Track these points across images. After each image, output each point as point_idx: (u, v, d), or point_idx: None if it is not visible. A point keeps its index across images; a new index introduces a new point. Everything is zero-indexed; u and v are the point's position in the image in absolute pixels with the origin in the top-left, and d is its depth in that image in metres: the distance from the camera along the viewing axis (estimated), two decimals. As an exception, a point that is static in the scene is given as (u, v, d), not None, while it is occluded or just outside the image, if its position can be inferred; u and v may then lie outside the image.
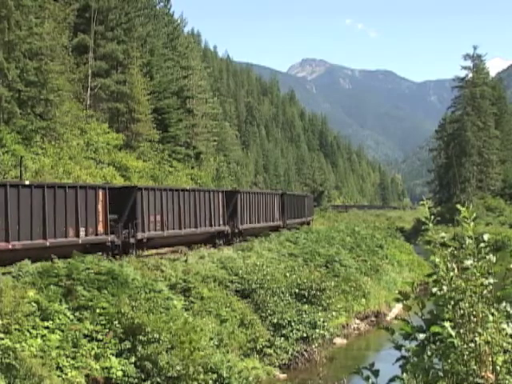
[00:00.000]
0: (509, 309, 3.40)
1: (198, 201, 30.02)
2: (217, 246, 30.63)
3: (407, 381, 3.37)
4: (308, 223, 50.23)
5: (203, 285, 20.22)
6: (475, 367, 3.28)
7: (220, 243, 31.34)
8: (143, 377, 14.52)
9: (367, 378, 3.39)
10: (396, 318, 27.28)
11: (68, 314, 15.05)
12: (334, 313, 23.79)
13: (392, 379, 3.42)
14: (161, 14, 72.24)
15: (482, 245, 3.48)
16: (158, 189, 28.07)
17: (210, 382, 15.32)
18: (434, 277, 3.55)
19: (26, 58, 36.67)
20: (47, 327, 14.32)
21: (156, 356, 14.64)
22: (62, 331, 14.41)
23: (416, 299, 3.53)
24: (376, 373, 3.40)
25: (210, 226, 31.11)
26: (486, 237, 3.52)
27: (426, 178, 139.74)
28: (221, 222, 32.16)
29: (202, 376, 15.07)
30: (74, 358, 13.93)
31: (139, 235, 24.92)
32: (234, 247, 29.22)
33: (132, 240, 24.45)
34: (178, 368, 14.67)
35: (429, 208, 3.71)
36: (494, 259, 3.47)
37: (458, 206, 3.61)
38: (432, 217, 3.67)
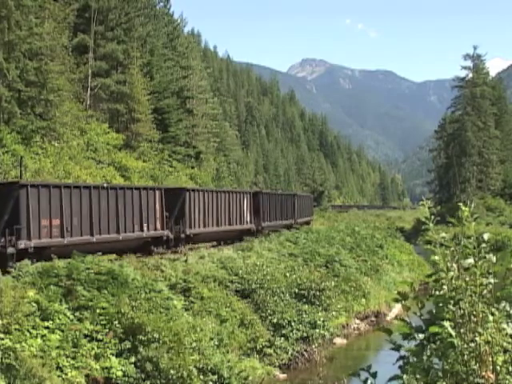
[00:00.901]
0: (508, 308, 3.40)
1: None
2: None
3: (407, 381, 3.36)
4: (308, 223, 50.33)
5: (203, 285, 20.22)
6: (475, 367, 3.28)
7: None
8: (143, 377, 14.52)
9: (365, 381, 3.39)
10: (396, 318, 27.27)
11: (68, 313, 15.04)
12: (334, 313, 23.79)
13: (392, 378, 3.42)
14: (161, 14, 72.24)
15: (484, 245, 3.48)
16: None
17: (210, 382, 15.31)
18: (434, 277, 3.55)
19: (26, 58, 36.68)
20: (47, 327, 14.32)
21: (156, 356, 14.63)
22: (62, 331, 14.41)
23: (415, 299, 3.53)
24: (374, 375, 3.40)
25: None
26: (486, 236, 3.51)
27: (425, 177, 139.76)
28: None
29: (202, 376, 15.06)
30: (74, 358, 13.92)
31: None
32: (234, 247, 29.24)
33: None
34: (179, 365, 14.66)
35: (429, 208, 3.70)
36: (493, 259, 3.47)
37: (461, 205, 3.61)
38: (432, 217, 3.67)
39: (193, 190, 30.42)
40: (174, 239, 27.41)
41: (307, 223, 49.69)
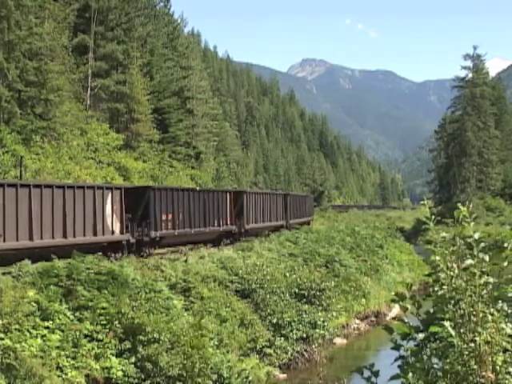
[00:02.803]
0: (506, 308, 3.41)
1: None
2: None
3: (411, 380, 3.37)
4: (308, 223, 50.28)
5: (203, 285, 20.22)
6: (475, 367, 3.29)
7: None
8: (143, 377, 14.52)
9: (368, 379, 3.40)
10: (395, 318, 27.29)
11: (68, 314, 15.04)
12: (334, 313, 23.79)
13: (394, 377, 3.43)
14: (161, 14, 72.24)
15: (482, 244, 3.49)
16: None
17: (210, 382, 15.32)
18: (433, 277, 3.56)
19: (26, 58, 36.67)
20: (47, 327, 14.32)
21: (156, 356, 14.64)
22: (62, 331, 14.41)
23: (412, 299, 3.53)
24: (376, 373, 3.41)
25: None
26: (476, 235, 3.52)
27: (425, 177, 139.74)
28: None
29: (202, 376, 15.07)
30: (74, 358, 13.93)
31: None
32: (234, 247, 29.24)
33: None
34: (183, 365, 14.66)
35: (429, 208, 3.71)
36: (486, 258, 3.48)
37: (459, 205, 3.62)
38: (432, 217, 3.68)
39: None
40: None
41: (304, 224, 48.05)
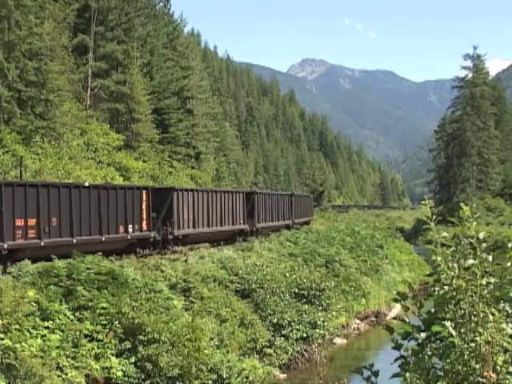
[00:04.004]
0: (508, 308, 3.41)
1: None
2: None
3: (409, 379, 3.37)
4: (308, 223, 50.34)
5: (203, 285, 20.21)
6: (476, 367, 3.28)
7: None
8: (143, 377, 14.52)
9: (368, 379, 3.40)
10: (395, 318, 27.28)
11: (68, 314, 15.03)
12: (334, 313, 23.78)
13: (394, 376, 3.43)
14: (161, 14, 72.19)
15: (484, 245, 3.48)
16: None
17: (210, 382, 15.31)
18: (435, 276, 3.55)
19: (26, 58, 36.65)
20: (47, 327, 14.31)
21: (156, 356, 14.63)
22: (62, 331, 14.40)
23: (414, 299, 3.53)
24: (376, 373, 3.41)
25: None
26: (481, 235, 3.52)
27: (426, 178, 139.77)
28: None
29: (202, 376, 15.07)
30: (74, 358, 13.92)
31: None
32: (234, 247, 29.24)
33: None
34: (181, 364, 14.66)
35: (430, 208, 3.71)
36: (490, 258, 3.47)
37: (461, 205, 3.61)
38: (433, 217, 3.68)
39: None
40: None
41: (306, 223, 48.89)
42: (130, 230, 23.90)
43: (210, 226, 30.25)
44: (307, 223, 49.69)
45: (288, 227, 41.66)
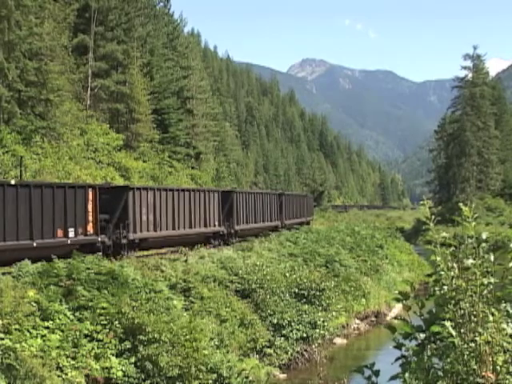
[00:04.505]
0: (509, 309, 3.41)
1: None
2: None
3: (409, 379, 3.37)
4: (308, 223, 50.26)
5: (203, 285, 20.22)
6: (475, 367, 3.29)
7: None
8: (143, 377, 14.52)
9: (369, 378, 3.40)
10: (396, 317, 27.27)
11: (68, 314, 15.03)
12: (333, 313, 23.78)
13: (394, 377, 3.43)
14: (161, 14, 72.22)
15: (484, 244, 3.48)
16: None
17: (210, 382, 15.32)
18: (435, 277, 3.56)
19: (26, 58, 36.65)
20: (47, 327, 14.31)
21: (156, 356, 14.64)
22: (62, 331, 14.40)
23: (415, 299, 3.53)
24: (377, 373, 3.41)
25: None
26: (484, 235, 3.52)
27: (426, 178, 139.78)
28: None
29: (202, 376, 15.07)
30: (74, 358, 13.92)
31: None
32: (233, 247, 29.20)
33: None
34: (181, 365, 14.67)
35: (429, 208, 3.71)
36: (492, 258, 3.48)
37: (461, 205, 3.62)
38: (432, 217, 3.68)
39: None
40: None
41: (302, 224, 46.54)
42: (71, 234, 21.02)
43: (176, 229, 27.42)
44: (307, 223, 49.59)
45: (276, 229, 39.24)
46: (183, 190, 29.11)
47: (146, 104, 52.04)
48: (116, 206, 23.87)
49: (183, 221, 28.04)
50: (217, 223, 31.10)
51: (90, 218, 22.01)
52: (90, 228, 21.93)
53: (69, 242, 20.85)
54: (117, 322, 15.13)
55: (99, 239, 22.37)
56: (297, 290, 22.65)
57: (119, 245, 23.41)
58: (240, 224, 33.87)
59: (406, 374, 3.38)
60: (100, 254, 21.24)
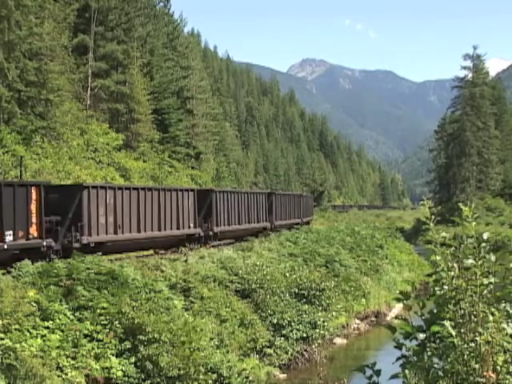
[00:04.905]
0: (509, 309, 3.41)
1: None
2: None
3: (409, 379, 3.37)
4: (308, 223, 50.22)
5: (203, 285, 20.22)
6: (476, 367, 3.28)
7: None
8: (143, 377, 14.52)
9: (370, 377, 3.40)
10: (396, 317, 27.27)
11: (68, 314, 15.04)
12: (333, 313, 23.79)
13: (394, 375, 3.43)
14: (161, 14, 72.22)
15: (484, 244, 3.48)
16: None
17: (210, 382, 15.32)
18: (435, 277, 3.56)
19: (26, 58, 36.65)
20: (47, 327, 14.32)
21: (156, 356, 14.64)
22: (62, 331, 14.41)
23: (416, 299, 3.53)
24: (378, 372, 3.41)
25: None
26: (485, 235, 3.52)
27: (426, 178, 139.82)
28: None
29: (202, 376, 15.07)
30: (74, 358, 13.92)
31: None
32: (233, 247, 29.15)
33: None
34: (180, 366, 14.67)
35: (429, 208, 3.71)
36: (493, 258, 3.48)
37: (461, 205, 3.62)
38: (432, 217, 3.68)
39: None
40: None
41: (299, 225, 44.64)
42: (9, 237, 18.63)
43: (142, 231, 25.17)
44: (306, 224, 49.54)
45: (265, 230, 37.21)
46: (150, 189, 26.78)
47: (145, 104, 52.04)
48: (69, 206, 21.72)
49: (150, 223, 25.70)
50: (192, 225, 28.84)
51: (34, 220, 19.69)
52: (32, 231, 19.59)
53: (5, 246, 18.42)
54: (117, 322, 15.13)
55: (44, 243, 19.82)
56: (297, 290, 22.66)
57: (70, 249, 20.48)
58: (220, 225, 31.55)
59: (407, 372, 3.38)
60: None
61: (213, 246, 28.75)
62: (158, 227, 26.16)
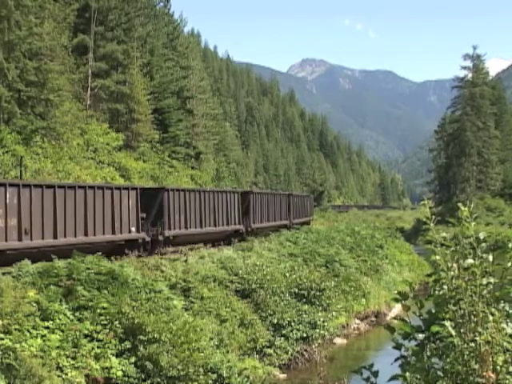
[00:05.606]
0: (508, 308, 3.41)
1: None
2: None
3: (409, 379, 3.37)
4: (308, 223, 50.20)
5: (203, 285, 20.21)
6: (475, 367, 3.28)
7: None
8: (143, 377, 14.52)
9: (367, 379, 3.40)
10: (395, 318, 27.28)
11: (68, 314, 15.03)
12: (334, 313, 23.78)
13: (393, 377, 3.43)
14: (161, 14, 72.23)
15: (482, 244, 3.48)
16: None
17: (210, 381, 15.32)
18: (434, 277, 3.56)
19: (26, 58, 36.65)
20: (47, 327, 14.31)
21: (157, 356, 14.64)
22: (62, 331, 14.40)
23: (415, 299, 3.53)
24: (376, 373, 3.41)
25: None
26: (482, 235, 3.52)
27: (426, 178, 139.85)
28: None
29: (202, 376, 15.07)
30: (74, 358, 13.91)
31: None
32: (233, 247, 29.19)
33: None
34: (179, 368, 14.67)
35: (429, 208, 3.71)
36: (490, 258, 3.48)
37: (460, 205, 3.62)
38: (433, 217, 3.68)
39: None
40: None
41: (305, 223, 46.61)
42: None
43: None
44: (307, 223, 49.53)
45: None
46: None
47: (145, 104, 52.04)
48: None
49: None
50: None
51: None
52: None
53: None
54: (117, 322, 15.12)
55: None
56: (297, 290, 22.65)
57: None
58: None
59: (407, 374, 3.38)
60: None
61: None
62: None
